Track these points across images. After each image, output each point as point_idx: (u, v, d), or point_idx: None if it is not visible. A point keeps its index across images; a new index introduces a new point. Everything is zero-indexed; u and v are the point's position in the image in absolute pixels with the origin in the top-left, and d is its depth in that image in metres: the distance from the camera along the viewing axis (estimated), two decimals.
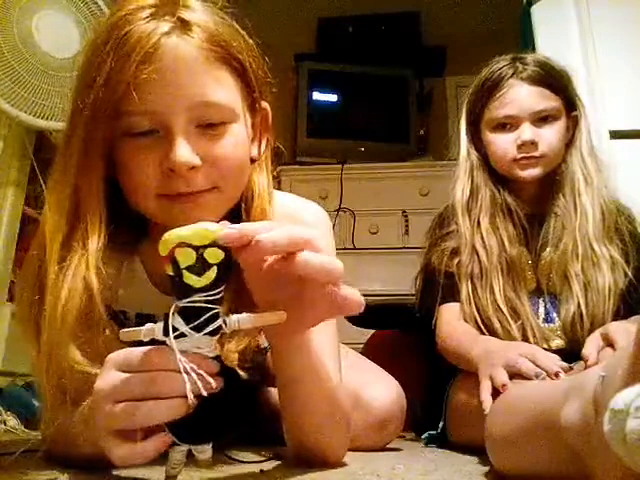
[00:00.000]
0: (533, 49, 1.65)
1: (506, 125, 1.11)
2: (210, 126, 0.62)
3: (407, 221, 2.57)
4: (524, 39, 1.90)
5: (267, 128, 0.73)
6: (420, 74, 3.02)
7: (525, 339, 1.01)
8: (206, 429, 0.46)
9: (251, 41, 0.68)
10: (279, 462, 0.68)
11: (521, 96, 1.09)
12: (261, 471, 0.61)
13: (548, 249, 1.09)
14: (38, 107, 1.47)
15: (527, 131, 1.08)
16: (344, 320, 1.58)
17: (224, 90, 0.63)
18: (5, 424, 1.23)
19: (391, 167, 2.67)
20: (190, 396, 0.44)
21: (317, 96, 2.95)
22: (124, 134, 0.61)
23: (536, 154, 1.08)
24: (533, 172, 1.09)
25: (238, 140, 0.65)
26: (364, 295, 0.50)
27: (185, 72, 0.60)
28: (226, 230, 0.46)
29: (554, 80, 1.10)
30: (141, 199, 0.64)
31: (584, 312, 1.01)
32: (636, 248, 1.08)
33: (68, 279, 0.57)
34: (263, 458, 0.70)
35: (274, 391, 0.91)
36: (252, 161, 0.70)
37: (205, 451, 0.47)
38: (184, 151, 0.59)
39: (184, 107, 0.60)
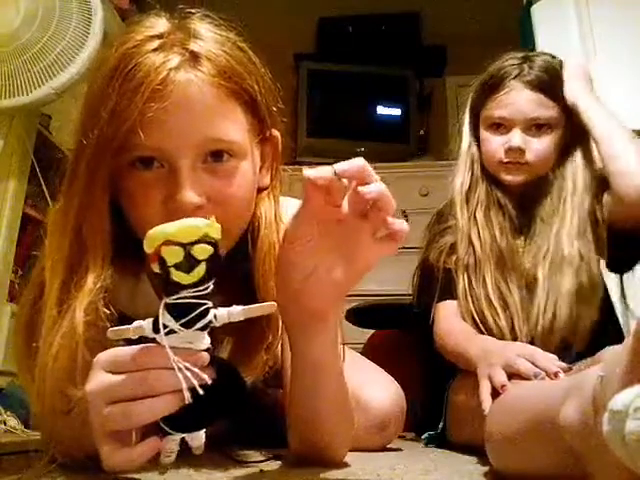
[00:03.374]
0: (533, 49, 1.65)
1: (500, 126, 1.10)
2: (218, 161, 0.61)
3: (407, 221, 2.55)
4: (524, 39, 1.90)
5: (277, 156, 0.72)
6: (420, 74, 3.03)
7: (513, 332, 1.01)
8: (198, 418, 0.47)
9: (263, 69, 0.67)
10: (279, 462, 0.68)
11: (518, 100, 1.08)
12: (261, 471, 0.61)
13: (532, 249, 1.08)
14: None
15: (516, 137, 1.07)
16: (344, 320, 1.58)
17: (233, 127, 0.62)
18: (5, 424, 1.23)
19: (391, 167, 2.67)
20: (187, 395, 0.44)
21: (317, 96, 2.95)
22: (130, 165, 0.61)
23: (522, 161, 1.08)
24: (517, 178, 1.09)
25: (246, 178, 0.64)
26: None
27: (193, 111, 0.59)
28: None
29: (556, 88, 1.09)
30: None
31: (542, 315, 1.01)
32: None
33: (64, 326, 0.55)
34: (263, 458, 0.70)
35: (272, 391, 0.91)
36: (261, 190, 0.69)
37: (198, 438, 0.48)
38: (189, 194, 0.58)
39: (191, 146, 0.59)
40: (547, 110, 1.08)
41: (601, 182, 1.07)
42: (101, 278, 0.58)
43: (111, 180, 0.61)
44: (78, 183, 0.60)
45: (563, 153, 1.11)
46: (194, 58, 0.60)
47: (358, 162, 0.48)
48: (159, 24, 0.62)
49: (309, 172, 0.47)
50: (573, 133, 1.11)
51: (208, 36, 0.62)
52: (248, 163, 0.64)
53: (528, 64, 1.10)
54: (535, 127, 1.08)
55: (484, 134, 1.13)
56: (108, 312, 0.57)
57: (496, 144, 1.10)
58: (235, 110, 0.62)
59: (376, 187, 0.48)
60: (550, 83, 1.08)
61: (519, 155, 1.07)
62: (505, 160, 1.09)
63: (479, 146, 1.16)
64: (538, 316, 1.01)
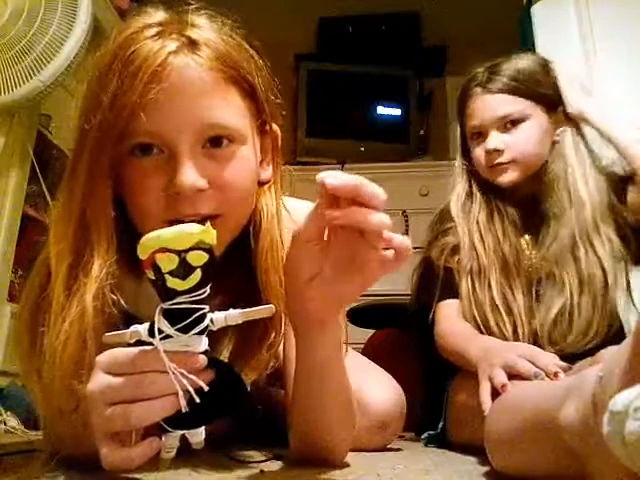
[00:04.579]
0: (533, 49, 1.65)
1: (480, 135, 1.12)
2: (217, 147, 0.61)
3: (407, 221, 2.56)
4: (524, 39, 1.90)
5: (277, 150, 0.71)
6: (420, 74, 3.03)
7: (515, 336, 1.01)
8: (197, 417, 0.47)
9: (261, 62, 0.67)
10: (280, 462, 0.68)
11: (480, 106, 1.10)
12: (261, 471, 0.61)
13: (546, 246, 1.08)
14: None
15: (491, 140, 1.09)
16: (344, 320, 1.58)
17: (232, 111, 0.62)
18: (5, 424, 1.23)
19: (391, 167, 2.67)
20: (183, 402, 0.45)
21: (317, 96, 2.95)
22: (130, 153, 0.60)
23: (503, 160, 1.08)
24: (509, 177, 1.09)
25: (246, 164, 0.64)
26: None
27: (193, 93, 0.59)
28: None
29: (522, 87, 1.08)
30: (147, 225, 0.61)
31: (568, 310, 1.01)
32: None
33: (72, 313, 0.55)
34: (264, 458, 0.70)
35: (274, 391, 0.91)
36: (261, 184, 0.69)
37: (197, 434, 0.48)
38: (190, 175, 0.58)
39: (191, 129, 0.59)
40: (514, 105, 1.08)
41: (617, 180, 1.07)
42: (107, 264, 0.57)
43: (112, 170, 0.60)
44: (81, 173, 0.60)
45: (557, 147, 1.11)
46: (192, 44, 0.60)
47: (350, 182, 0.47)
48: (157, 15, 0.63)
49: (321, 174, 0.47)
50: (565, 119, 1.11)
51: (206, 26, 0.63)
52: (248, 148, 0.64)
53: (490, 70, 1.11)
54: (510, 123, 1.08)
55: (471, 146, 1.15)
56: (115, 298, 0.57)
57: (478, 151, 1.12)
58: (234, 96, 0.62)
59: (349, 214, 0.47)
60: (514, 84, 1.08)
61: (498, 156, 1.08)
62: (489, 165, 1.10)
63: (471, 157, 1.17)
64: (561, 315, 1.01)
